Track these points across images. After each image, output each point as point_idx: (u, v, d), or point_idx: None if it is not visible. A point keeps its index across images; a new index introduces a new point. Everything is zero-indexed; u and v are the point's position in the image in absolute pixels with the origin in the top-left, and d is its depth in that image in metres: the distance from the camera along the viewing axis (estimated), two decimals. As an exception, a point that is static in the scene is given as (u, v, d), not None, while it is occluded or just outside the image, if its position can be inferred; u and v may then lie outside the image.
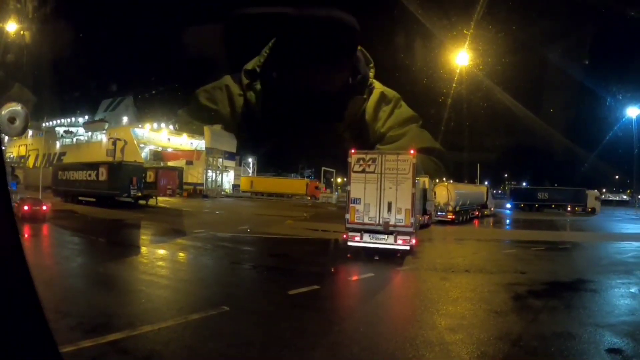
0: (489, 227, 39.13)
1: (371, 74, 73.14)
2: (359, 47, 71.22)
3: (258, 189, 74.71)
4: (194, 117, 78.98)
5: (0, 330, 1.63)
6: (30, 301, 1.81)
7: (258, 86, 74.01)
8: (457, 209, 38.02)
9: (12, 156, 78.42)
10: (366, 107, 75.32)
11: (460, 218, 38.47)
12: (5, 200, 1.83)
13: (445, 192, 37.96)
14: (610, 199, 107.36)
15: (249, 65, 74.56)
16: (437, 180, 49.38)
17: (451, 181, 51.73)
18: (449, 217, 36.80)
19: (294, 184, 75.95)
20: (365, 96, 74.46)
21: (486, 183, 67.16)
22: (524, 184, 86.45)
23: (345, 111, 73.88)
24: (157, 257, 17.13)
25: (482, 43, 43.16)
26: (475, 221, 42.47)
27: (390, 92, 75.72)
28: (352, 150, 17.96)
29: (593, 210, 62.98)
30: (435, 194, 37.06)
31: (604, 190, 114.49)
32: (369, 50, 72.04)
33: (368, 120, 75.83)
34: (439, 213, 36.70)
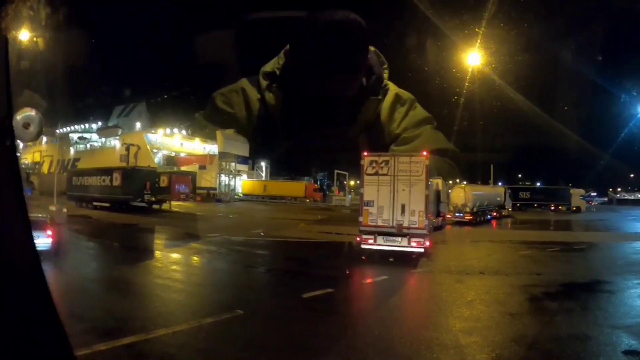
0: (504, 228, 38.84)
1: (385, 75, 72.94)
2: (372, 48, 71.14)
3: (258, 192, 74.84)
4: (210, 121, 79.17)
5: (18, 334, 1.61)
6: (46, 305, 1.79)
7: (277, 89, 74.08)
8: (475, 210, 38.60)
9: (26, 162, 79.25)
10: (381, 108, 75.15)
11: (478, 219, 38.96)
12: (22, 207, 1.81)
13: (462, 194, 38.73)
14: (626, 197, 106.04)
15: (268, 67, 74.59)
16: (451, 182, 49.35)
17: (464, 182, 51.64)
18: (466, 218, 37.53)
19: (293, 187, 75.88)
20: (380, 97, 74.29)
21: (500, 184, 66.66)
22: (538, 184, 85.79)
23: (360, 114, 73.75)
24: (171, 261, 17.17)
25: (494, 42, 42.91)
26: (493, 222, 42.63)
27: (405, 94, 75.46)
28: (365, 153, 17.89)
29: (578, 209, 61.92)
30: (450, 195, 38.02)
31: (619, 189, 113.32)
32: (382, 52, 71.98)
33: (383, 122, 75.61)
34: (456, 214, 37.66)
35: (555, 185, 71.82)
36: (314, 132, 74.38)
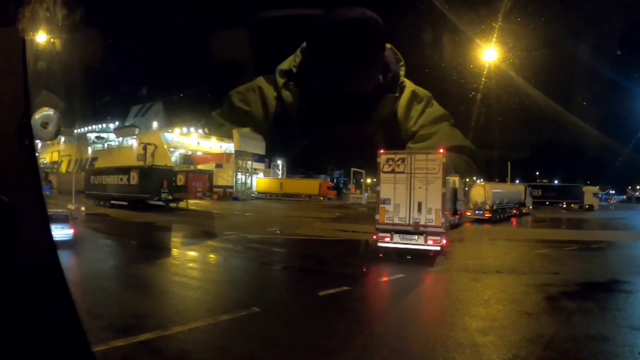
0: (523, 227, 38.63)
1: (402, 72, 72.63)
2: (388, 46, 70.88)
3: (273, 190, 74.98)
4: (227, 119, 79.50)
5: (37, 330, 1.64)
6: (64, 302, 1.82)
7: (294, 86, 74.02)
8: (494, 207, 38.85)
9: (45, 162, 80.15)
10: (398, 106, 74.84)
11: (498, 216, 39.22)
12: (41, 205, 1.84)
13: (482, 192, 38.95)
14: None
15: (284, 65, 74.64)
16: (468, 180, 49.17)
17: (481, 180, 51.36)
18: (486, 215, 37.86)
19: (307, 185, 75.77)
20: (397, 95, 73.98)
21: (517, 181, 66.17)
22: (556, 181, 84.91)
23: (376, 111, 73.49)
24: (187, 258, 17.27)
25: (511, 37, 42.46)
26: (513, 220, 42.54)
27: (422, 91, 75.13)
28: (381, 151, 17.82)
29: (591, 207, 61.26)
30: (470, 193, 38.76)
31: (639, 187, 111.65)
32: (398, 48, 71.68)
33: (400, 119, 75.35)
34: (476, 212, 38.06)
35: (570, 183, 70.90)
36: (331, 130, 74.31)
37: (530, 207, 51.91)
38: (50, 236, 2.01)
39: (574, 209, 60.78)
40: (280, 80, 74.70)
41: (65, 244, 15.60)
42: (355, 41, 66.49)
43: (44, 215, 1.89)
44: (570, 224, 40.79)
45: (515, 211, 45.22)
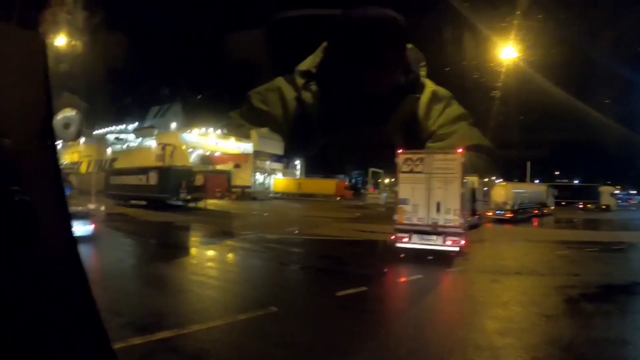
0: (543, 227, 38.25)
1: (423, 73, 72.33)
2: (409, 46, 70.61)
3: (289, 190, 75.00)
4: (246, 119, 79.83)
5: (58, 327, 1.67)
6: (85, 299, 1.85)
7: (314, 87, 73.91)
8: (515, 207, 39.08)
9: (65, 163, 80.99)
10: (418, 106, 74.52)
11: (519, 217, 39.12)
12: (63, 204, 1.88)
13: (503, 192, 39.60)
14: None
15: (303, 66, 74.62)
16: (486, 179, 48.94)
17: (500, 180, 51.09)
18: (507, 215, 37.97)
19: (324, 185, 75.58)
20: (418, 95, 73.63)
21: (537, 181, 65.50)
22: (576, 181, 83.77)
23: (397, 112, 73.20)
24: (206, 258, 17.39)
25: (530, 34, 42.00)
26: (535, 220, 42.21)
27: (442, 91, 74.72)
28: (400, 151, 17.79)
29: (608, 208, 60.19)
30: (491, 193, 39.64)
31: None
32: (418, 48, 71.36)
33: (420, 119, 75.03)
34: (497, 212, 38.22)
35: (587, 183, 69.97)
36: (350, 130, 74.20)
37: (553, 208, 51.39)
38: (72, 236, 2.04)
39: (590, 209, 59.80)
40: (300, 81, 74.68)
41: (86, 238, 16.23)
42: (377, 40, 66.25)
43: (66, 214, 1.92)
44: (591, 224, 40.28)
45: (537, 211, 44.92)
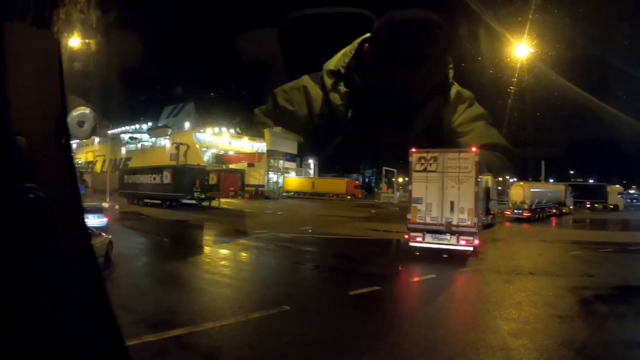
0: (560, 227, 38.02)
1: (450, 75, 71.93)
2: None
3: (301, 189, 75.04)
4: (270, 117, 79.89)
5: (71, 323, 1.69)
6: (99, 296, 1.87)
7: (342, 88, 73.61)
8: (533, 207, 39.66)
9: (80, 162, 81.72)
10: (446, 108, 74.03)
11: (537, 216, 39.84)
12: (77, 202, 1.89)
13: (521, 191, 40.25)
14: None
15: (331, 65, 74.16)
16: (501, 179, 48.87)
17: (514, 179, 50.93)
18: (524, 215, 38.73)
19: (334, 184, 75.42)
20: (445, 97, 73.20)
21: (551, 180, 65.01)
22: (591, 181, 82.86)
23: (423, 113, 72.72)
24: (219, 256, 17.44)
25: (547, 30, 41.65)
26: (553, 219, 42.36)
27: (466, 92, 74.05)
28: (413, 150, 17.69)
29: (616, 207, 59.36)
30: (509, 192, 41.60)
31: None
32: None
33: (445, 121, 74.56)
34: (515, 211, 39.32)
35: (599, 183, 69.21)
36: (374, 131, 73.85)
37: (571, 207, 51.36)
38: (87, 233, 2.06)
39: (598, 208, 59.09)
40: (329, 81, 74.12)
41: (101, 229, 16.39)
42: (421, 44, 65.74)
43: (80, 212, 1.94)
44: (606, 224, 39.91)
45: (555, 211, 45.11)
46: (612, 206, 59.65)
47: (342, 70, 73.03)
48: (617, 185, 66.51)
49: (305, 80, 77.00)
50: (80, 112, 2.65)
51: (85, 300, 1.81)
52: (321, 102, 75.45)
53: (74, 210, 1.85)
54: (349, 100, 72.52)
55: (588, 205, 59.78)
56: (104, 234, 14.97)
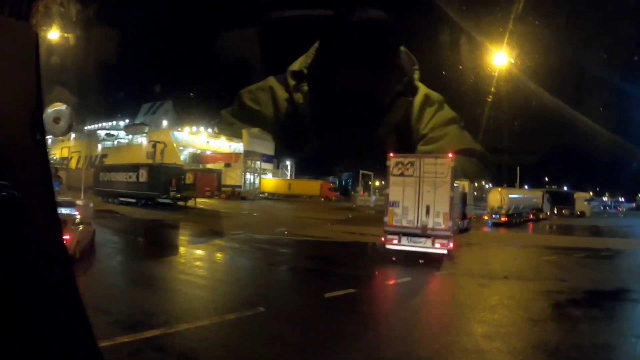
0: (534, 232, 38.78)
1: (416, 76, 72.36)
2: (403, 49, 70.68)
3: (277, 190, 74.91)
4: (237, 118, 79.81)
5: (43, 323, 1.65)
6: (72, 296, 1.83)
7: (305, 87, 73.80)
8: (510, 212, 40.57)
9: (55, 158, 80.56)
10: (411, 109, 74.58)
11: (514, 221, 40.69)
12: (51, 200, 1.85)
13: (498, 197, 41.35)
14: None
15: (295, 66, 74.53)
16: (476, 184, 49.53)
17: (490, 185, 51.69)
18: (502, 219, 39.46)
19: (308, 186, 75.55)
20: (410, 98, 73.66)
21: (526, 187, 65.91)
22: (565, 188, 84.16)
23: (389, 114, 73.24)
24: (194, 257, 17.32)
25: (524, 40, 42.20)
26: (530, 224, 43.37)
27: (435, 95, 74.78)
28: (391, 154, 17.92)
29: (582, 214, 60.71)
30: (488, 198, 42.68)
31: None
32: (412, 52, 71.44)
33: (412, 123, 75.11)
34: (493, 216, 40.04)
35: (566, 190, 70.60)
36: (342, 132, 74.17)
37: (548, 213, 52.93)
38: (60, 231, 2.02)
39: (564, 214, 60.14)
40: (292, 82, 74.55)
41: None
42: (369, 43, 66.22)
43: (54, 210, 1.90)
44: (579, 231, 40.62)
45: (532, 216, 46.21)
46: (579, 212, 60.79)
47: (305, 71, 73.42)
48: (584, 193, 67.92)
49: (271, 81, 77.38)
50: (56, 108, 2.59)
51: (57, 300, 1.77)
52: (286, 102, 75.79)
53: (48, 209, 1.82)
54: (314, 100, 72.89)
55: (555, 212, 60.80)
56: (91, 222, 16.32)
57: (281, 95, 76.53)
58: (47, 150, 1.92)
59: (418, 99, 74.41)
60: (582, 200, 63.61)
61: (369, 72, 67.54)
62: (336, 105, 71.32)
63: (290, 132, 77.93)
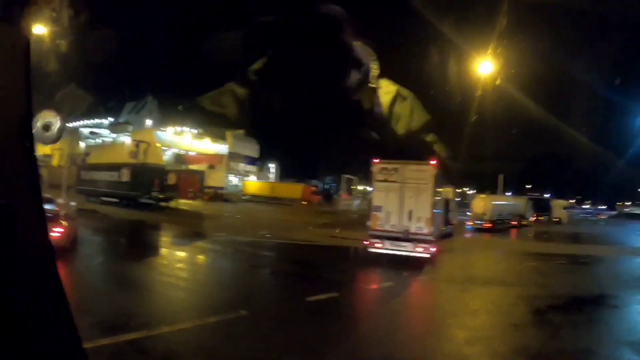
0: (517, 238, 39.51)
1: (375, 66, 72.45)
2: (357, 43, 70.78)
3: (260, 192, 74.60)
4: (200, 126, 79.50)
5: (30, 326, 1.65)
6: (59, 300, 1.83)
7: (266, 86, 73.46)
8: (494, 218, 41.30)
9: (36, 155, 79.27)
10: (380, 101, 74.59)
11: (498, 227, 41.36)
12: (39, 207, 1.85)
13: (482, 203, 42.14)
14: (635, 212, 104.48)
15: (256, 66, 74.49)
16: (460, 190, 50.04)
17: (474, 191, 52.13)
18: (485, 225, 40.28)
19: (290, 189, 75.35)
20: (372, 84, 73.73)
21: (508, 193, 66.41)
22: (547, 195, 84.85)
23: (360, 105, 73.24)
24: (176, 259, 17.25)
25: (506, 52, 42.50)
26: (513, 231, 44.11)
27: (405, 91, 74.93)
28: (376, 160, 18.27)
29: (559, 221, 61.27)
30: (472, 204, 43.44)
31: (628, 203, 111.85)
32: (396, 58, 71.56)
33: (385, 118, 75.10)
34: (476, 222, 40.89)
35: (539, 196, 71.49)
36: (325, 135, 73.98)
37: (532, 220, 53.75)
38: (48, 238, 2.02)
39: (542, 221, 60.60)
40: (253, 77, 74.08)
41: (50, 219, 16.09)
42: (315, 40, 66.21)
43: (42, 217, 1.89)
44: (561, 237, 41.08)
45: (515, 223, 46.76)
46: (556, 219, 61.36)
47: (263, 69, 73.40)
48: (561, 200, 68.94)
49: (231, 85, 76.92)
50: (46, 117, 2.58)
51: (45, 304, 1.77)
52: (250, 102, 75.54)
53: (36, 217, 1.81)
54: (280, 98, 72.81)
55: (533, 218, 61.28)
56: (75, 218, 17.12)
57: (244, 95, 76.03)
58: (36, 157, 1.92)
59: (386, 94, 74.39)
60: (559, 207, 64.38)
61: (326, 67, 67.51)
62: (304, 106, 71.25)
63: (263, 132, 77.50)
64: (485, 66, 34.89)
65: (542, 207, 62.72)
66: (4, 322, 1.58)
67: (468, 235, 36.27)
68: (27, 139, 1.74)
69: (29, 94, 1.76)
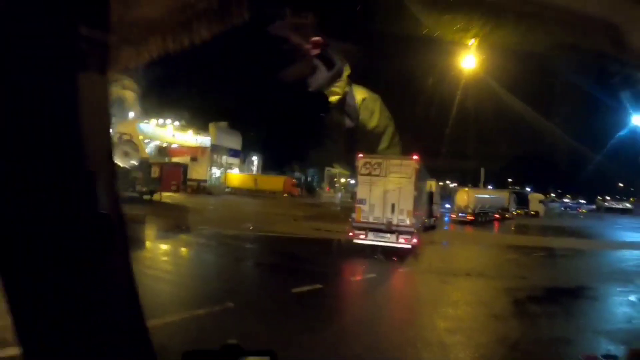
0: (499, 231, 40.11)
1: (346, 67, 72.58)
2: (315, 38, 70.84)
3: (243, 185, 74.34)
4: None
5: (108, 329, 1.75)
6: (136, 308, 1.92)
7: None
8: (477, 211, 42.13)
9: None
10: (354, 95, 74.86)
11: (480, 219, 42.17)
12: (120, 215, 1.99)
13: (465, 197, 42.84)
14: (614, 206, 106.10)
15: None
16: (442, 184, 50.48)
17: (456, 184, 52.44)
18: (468, 218, 41.14)
19: (272, 181, 75.19)
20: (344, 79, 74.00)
21: (489, 187, 67.04)
22: (528, 189, 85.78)
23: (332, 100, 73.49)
24: (161, 252, 17.29)
25: (488, 49, 42.82)
26: (495, 223, 44.84)
27: (371, 93, 75.18)
28: (360, 155, 18.44)
29: (536, 214, 62.57)
30: (455, 197, 44.04)
31: (607, 197, 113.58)
32: (373, 54, 71.49)
33: (358, 116, 75.33)
34: (460, 214, 41.75)
35: (526, 190, 72.47)
36: (307, 129, 74.00)
37: (514, 213, 54.86)
38: (128, 247, 2.11)
39: (520, 214, 61.41)
40: None
41: None
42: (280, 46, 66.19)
43: (124, 226, 1.99)
44: (540, 230, 41.67)
45: (497, 216, 47.46)
46: (533, 212, 62.46)
47: None
48: (538, 194, 70.39)
49: None
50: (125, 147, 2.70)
51: (123, 313, 1.86)
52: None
53: (120, 222, 1.93)
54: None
55: (514, 211, 62.04)
56: None
57: None
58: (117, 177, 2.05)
59: (356, 95, 74.64)
60: (536, 200, 65.53)
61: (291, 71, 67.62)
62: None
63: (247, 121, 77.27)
64: (467, 61, 35.08)
65: (520, 201, 63.52)
66: (92, 324, 1.69)
67: (450, 227, 36.68)
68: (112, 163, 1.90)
69: (109, 129, 1.95)
